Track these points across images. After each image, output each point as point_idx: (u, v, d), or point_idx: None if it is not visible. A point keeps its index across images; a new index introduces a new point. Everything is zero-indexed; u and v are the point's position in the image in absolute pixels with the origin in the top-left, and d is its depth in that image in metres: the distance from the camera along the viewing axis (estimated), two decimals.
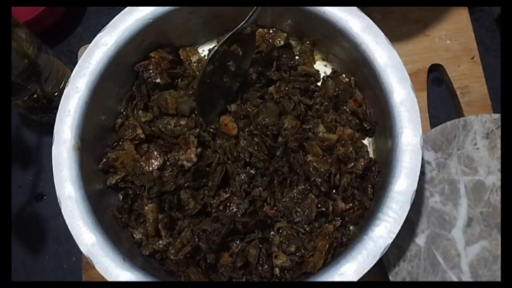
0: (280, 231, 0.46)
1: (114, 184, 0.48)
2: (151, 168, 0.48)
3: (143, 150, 0.50)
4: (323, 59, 0.54)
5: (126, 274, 0.40)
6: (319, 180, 0.46)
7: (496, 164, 0.50)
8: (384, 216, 0.40)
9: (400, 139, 0.42)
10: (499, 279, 0.47)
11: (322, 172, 0.46)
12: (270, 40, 0.52)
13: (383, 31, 0.45)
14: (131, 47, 0.48)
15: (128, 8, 0.47)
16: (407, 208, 0.40)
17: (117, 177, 0.48)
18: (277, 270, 0.45)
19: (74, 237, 0.41)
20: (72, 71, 0.46)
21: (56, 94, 0.54)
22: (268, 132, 0.47)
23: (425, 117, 0.55)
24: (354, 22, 0.45)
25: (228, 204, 0.47)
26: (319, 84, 0.52)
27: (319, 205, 0.46)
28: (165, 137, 0.49)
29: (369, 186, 0.46)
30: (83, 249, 0.41)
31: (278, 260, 0.45)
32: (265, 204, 0.47)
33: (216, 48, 0.46)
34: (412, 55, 0.56)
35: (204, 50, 0.55)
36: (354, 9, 0.45)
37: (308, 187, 0.47)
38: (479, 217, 0.49)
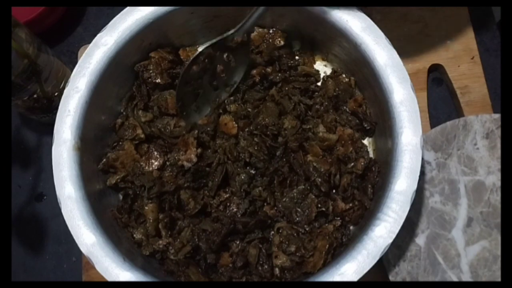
0: (280, 231, 0.46)
1: (114, 184, 0.48)
2: (151, 168, 0.48)
3: (143, 150, 0.50)
4: (323, 59, 0.54)
5: (126, 274, 0.40)
6: (319, 180, 0.46)
7: (496, 164, 0.50)
8: (384, 216, 0.40)
9: (400, 139, 0.42)
10: (499, 279, 0.47)
11: (322, 172, 0.46)
12: (270, 40, 0.52)
13: (383, 31, 0.45)
14: (131, 47, 0.48)
15: (128, 8, 0.47)
16: (407, 208, 0.40)
17: (117, 177, 0.48)
18: (277, 270, 0.45)
19: (74, 237, 0.41)
20: (72, 71, 0.46)
21: (56, 94, 0.54)
22: (268, 132, 0.47)
23: (425, 117, 0.55)
24: (354, 22, 0.45)
25: (228, 204, 0.47)
26: (319, 84, 0.52)
27: (319, 205, 0.46)
28: (165, 138, 0.49)
29: (369, 186, 0.46)
30: (83, 249, 0.41)
31: (278, 260, 0.45)
32: (265, 204, 0.47)
33: (201, 50, 0.46)
34: (412, 55, 0.56)
35: None
36: (354, 9, 0.45)
37: (308, 187, 0.47)
38: (479, 217, 0.49)
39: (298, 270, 0.45)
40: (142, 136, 0.49)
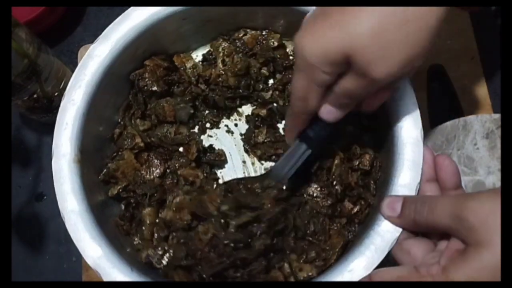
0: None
1: (116, 195, 0.48)
2: (152, 176, 0.48)
3: (143, 159, 0.49)
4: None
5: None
6: (340, 188, 0.45)
7: (496, 164, 0.50)
8: None
9: (400, 133, 0.42)
10: None
11: (344, 179, 0.46)
12: (264, 42, 0.52)
13: None
14: (126, 57, 0.47)
15: (120, 17, 0.47)
16: None
17: (119, 187, 0.48)
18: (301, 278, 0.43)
19: (80, 250, 0.40)
20: (72, 71, 0.46)
21: (56, 94, 0.54)
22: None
23: (425, 117, 0.54)
24: None
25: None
26: None
27: (331, 217, 0.46)
28: (166, 146, 0.49)
29: (371, 182, 0.46)
30: (89, 262, 0.40)
31: (304, 272, 0.43)
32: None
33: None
34: None
35: (198, 56, 0.54)
36: None
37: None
38: None
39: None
40: (142, 144, 0.49)
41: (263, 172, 0.51)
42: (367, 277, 0.37)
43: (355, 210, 0.46)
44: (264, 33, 0.52)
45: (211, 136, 0.52)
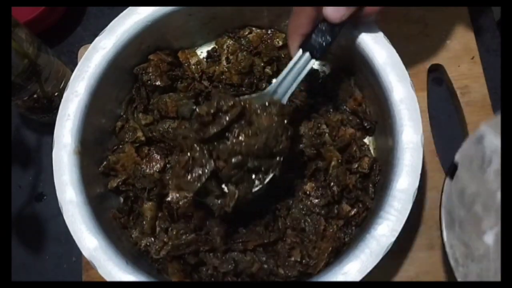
0: (285, 239, 0.45)
1: (115, 187, 0.48)
2: (152, 171, 0.48)
3: (143, 153, 0.50)
4: (322, 59, 0.54)
5: (129, 278, 0.40)
6: (338, 189, 0.45)
7: None
8: (386, 214, 0.40)
9: (401, 137, 0.42)
10: None
11: (341, 180, 0.46)
12: (269, 41, 0.52)
13: (383, 31, 0.45)
14: (130, 50, 0.48)
15: (126, 10, 0.47)
16: (409, 207, 0.40)
17: (118, 180, 0.48)
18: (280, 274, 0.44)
19: (76, 241, 0.41)
20: (72, 71, 0.46)
21: (56, 94, 0.54)
22: None
23: (425, 117, 0.55)
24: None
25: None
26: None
27: (328, 217, 0.46)
28: (168, 141, 0.49)
29: (370, 185, 0.46)
30: (85, 253, 0.40)
31: (281, 270, 0.44)
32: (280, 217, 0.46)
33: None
34: (412, 55, 0.56)
35: (202, 52, 0.55)
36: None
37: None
38: None
39: (300, 274, 0.44)
40: (143, 138, 0.49)
41: None
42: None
43: (353, 212, 0.46)
44: (269, 32, 0.52)
45: None
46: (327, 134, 0.48)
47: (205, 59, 0.54)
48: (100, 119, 0.48)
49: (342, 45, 0.48)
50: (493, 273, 0.43)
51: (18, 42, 0.46)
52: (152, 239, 0.46)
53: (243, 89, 0.51)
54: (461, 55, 0.56)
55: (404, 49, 0.44)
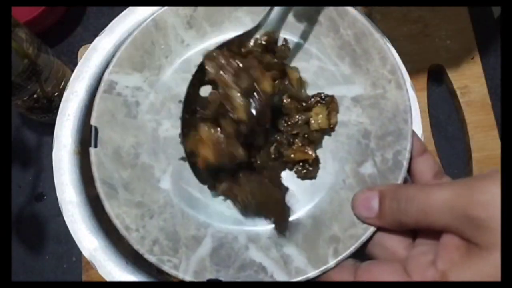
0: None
1: None
2: None
3: None
4: None
5: (129, 278, 0.40)
6: None
7: None
8: None
9: None
10: None
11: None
12: None
13: (383, 31, 0.45)
14: None
15: (126, 10, 0.47)
16: None
17: None
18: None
19: (76, 241, 0.41)
20: (72, 71, 0.46)
21: (56, 94, 0.54)
22: None
23: (425, 117, 0.55)
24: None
25: None
26: None
27: None
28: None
29: None
30: (85, 253, 0.40)
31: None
32: None
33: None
34: (412, 55, 0.56)
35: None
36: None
37: None
38: None
39: None
40: None
41: None
42: (352, 274, 0.31)
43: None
44: None
45: None
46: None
47: None
48: None
49: None
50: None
51: (18, 42, 0.46)
52: None
53: None
54: (461, 55, 0.56)
55: (404, 49, 0.44)
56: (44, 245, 0.56)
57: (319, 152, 0.38)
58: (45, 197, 0.58)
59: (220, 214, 0.38)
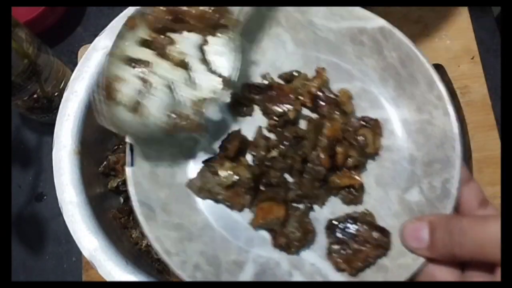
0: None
1: (115, 188, 0.48)
2: None
3: None
4: None
5: (129, 278, 0.40)
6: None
7: None
8: None
9: None
10: None
11: None
12: None
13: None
14: None
15: (126, 10, 0.46)
16: None
17: (118, 180, 0.48)
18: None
19: (76, 241, 0.41)
20: (72, 71, 0.46)
21: (56, 94, 0.54)
22: None
23: None
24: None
25: None
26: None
27: None
28: None
29: None
30: (85, 253, 0.40)
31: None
32: None
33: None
34: None
35: None
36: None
37: None
38: None
39: None
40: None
41: None
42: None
43: None
44: None
45: None
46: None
47: None
48: None
49: None
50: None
51: (18, 42, 0.46)
52: None
53: None
54: (461, 55, 0.56)
55: None
56: (44, 245, 0.56)
57: (362, 176, 0.37)
58: (45, 197, 0.58)
59: (261, 237, 0.35)
